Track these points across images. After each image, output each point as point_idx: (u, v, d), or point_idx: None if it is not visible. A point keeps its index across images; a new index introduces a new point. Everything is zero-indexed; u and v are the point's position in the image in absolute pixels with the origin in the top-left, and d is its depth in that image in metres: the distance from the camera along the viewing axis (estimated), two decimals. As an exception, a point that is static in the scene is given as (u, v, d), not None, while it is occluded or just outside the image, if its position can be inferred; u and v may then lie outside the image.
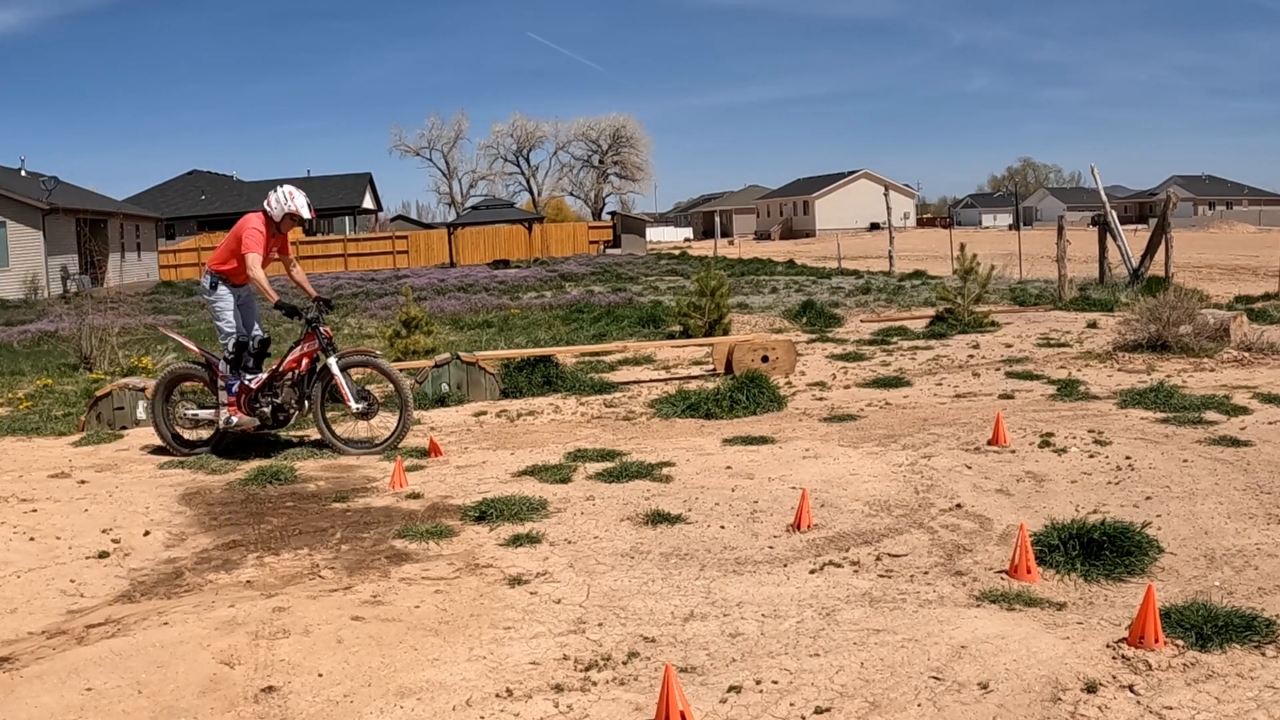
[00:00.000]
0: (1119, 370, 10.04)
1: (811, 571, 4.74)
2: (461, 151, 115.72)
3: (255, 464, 7.40)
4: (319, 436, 8.06)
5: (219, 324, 8.09)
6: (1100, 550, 4.64)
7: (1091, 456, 6.54)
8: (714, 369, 11.42)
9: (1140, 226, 59.86)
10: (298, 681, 3.71)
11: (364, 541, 5.46)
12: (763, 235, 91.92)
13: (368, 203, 69.42)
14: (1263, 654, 3.59)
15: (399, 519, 5.85)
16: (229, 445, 8.04)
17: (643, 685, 3.59)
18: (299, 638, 4.07)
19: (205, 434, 8.17)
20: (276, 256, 8.22)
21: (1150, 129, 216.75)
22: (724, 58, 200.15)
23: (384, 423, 8.10)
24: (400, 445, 7.82)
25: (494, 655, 3.90)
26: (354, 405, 7.89)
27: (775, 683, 3.55)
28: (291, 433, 8.72)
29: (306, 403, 7.99)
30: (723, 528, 5.46)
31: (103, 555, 5.37)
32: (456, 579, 4.79)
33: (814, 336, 14.40)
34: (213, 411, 8.03)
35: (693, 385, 10.18)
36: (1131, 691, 3.35)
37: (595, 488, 6.37)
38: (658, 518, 5.61)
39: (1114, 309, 15.40)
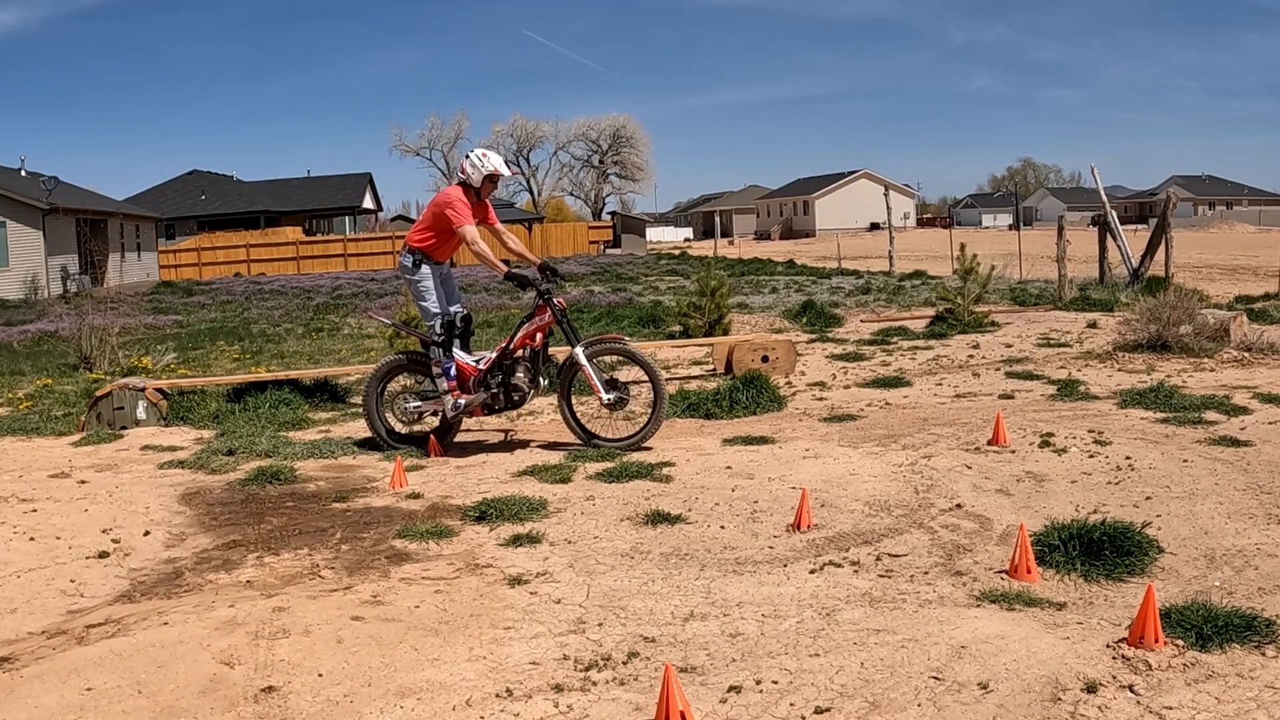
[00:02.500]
0: (1119, 370, 10.03)
1: (811, 571, 4.74)
2: (461, 151, 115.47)
3: (255, 464, 7.39)
4: (314, 438, 8.06)
5: (424, 305, 7.71)
6: (1100, 550, 4.64)
7: (1091, 456, 6.53)
8: (714, 369, 11.41)
9: (1140, 226, 59.85)
10: (298, 681, 3.71)
11: (364, 541, 5.46)
12: (763, 235, 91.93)
13: (368, 203, 69.42)
14: (1263, 654, 3.59)
15: (399, 519, 5.85)
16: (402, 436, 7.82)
17: (643, 685, 3.59)
18: (299, 638, 4.07)
19: (419, 428, 7.93)
20: (478, 224, 7.79)
21: (1150, 129, 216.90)
22: (724, 58, 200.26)
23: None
24: (646, 443, 7.41)
25: (494, 655, 3.90)
26: (604, 396, 7.46)
27: (775, 683, 3.55)
28: (292, 433, 8.72)
29: (542, 380, 7.62)
30: (723, 528, 5.46)
31: (103, 555, 5.37)
32: (456, 579, 4.79)
33: (814, 336, 14.40)
34: (434, 401, 7.71)
35: (693, 385, 10.18)
36: (1131, 691, 3.35)
37: (595, 487, 6.37)
38: (658, 518, 5.61)
39: (1114, 309, 15.39)
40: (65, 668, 3.85)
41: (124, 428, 9.28)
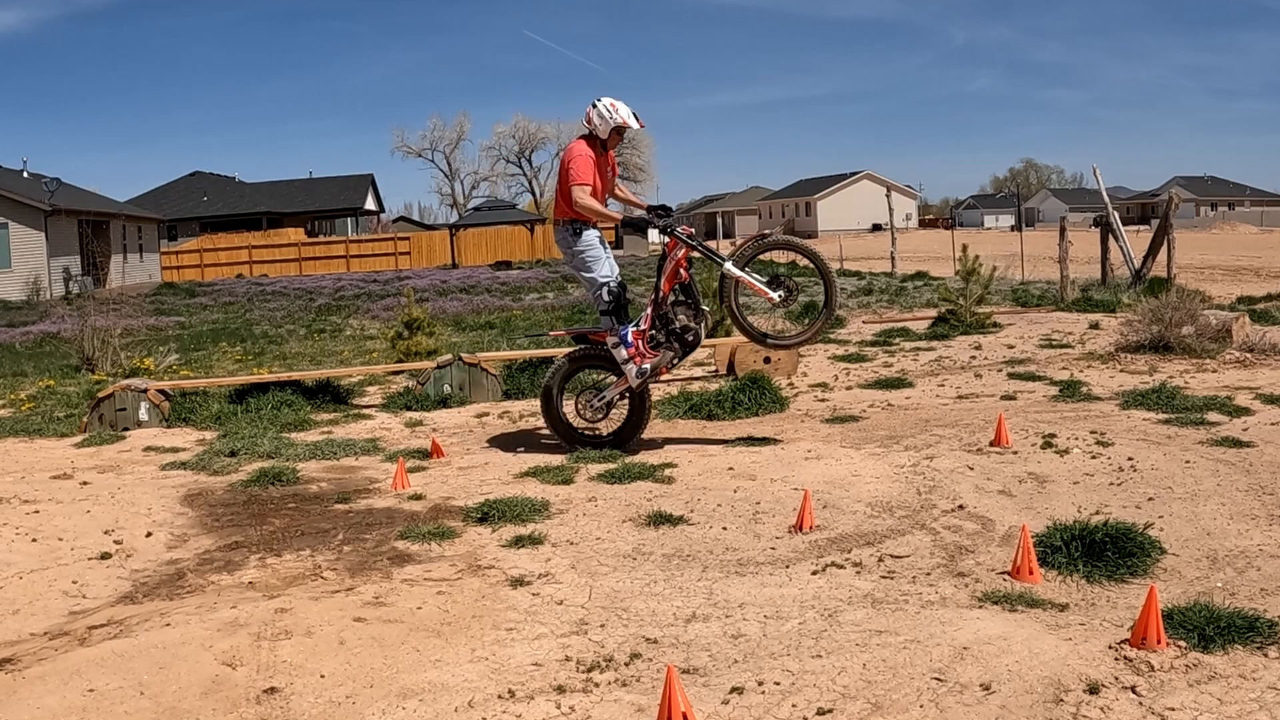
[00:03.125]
0: (1121, 371, 10.03)
1: (814, 573, 4.74)
2: (463, 153, 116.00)
3: (257, 465, 7.40)
4: (316, 439, 8.03)
5: (589, 274, 7.41)
6: (1103, 551, 4.64)
7: (1094, 457, 6.53)
8: (716, 370, 11.41)
9: (1142, 227, 59.84)
10: (300, 683, 3.71)
11: (366, 543, 5.46)
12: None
13: (370, 204, 69.48)
14: (1265, 655, 3.58)
15: (401, 520, 5.85)
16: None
17: (645, 686, 3.59)
18: (301, 639, 4.07)
19: (604, 426, 7.64)
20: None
21: (1152, 130, 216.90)
22: (725, 59, 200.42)
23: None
24: (826, 332, 7.12)
25: (496, 656, 3.90)
26: (773, 295, 7.21)
27: (777, 684, 3.55)
28: (294, 434, 8.72)
29: (704, 310, 7.43)
30: (725, 529, 5.46)
31: (105, 556, 5.38)
32: (459, 580, 4.79)
33: (816, 337, 14.37)
34: (618, 381, 7.43)
35: (695, 386, 10.17)
36: (1134, 693, 3.35)
37: (597, 489, 6.37)
38: (660, 519, 5.61)
39: (1116, 310, 15.38)
40: (67, 669, 3.85)
41: (126, 429, 9.29)
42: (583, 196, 7.22)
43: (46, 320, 22.28)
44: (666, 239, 7.31)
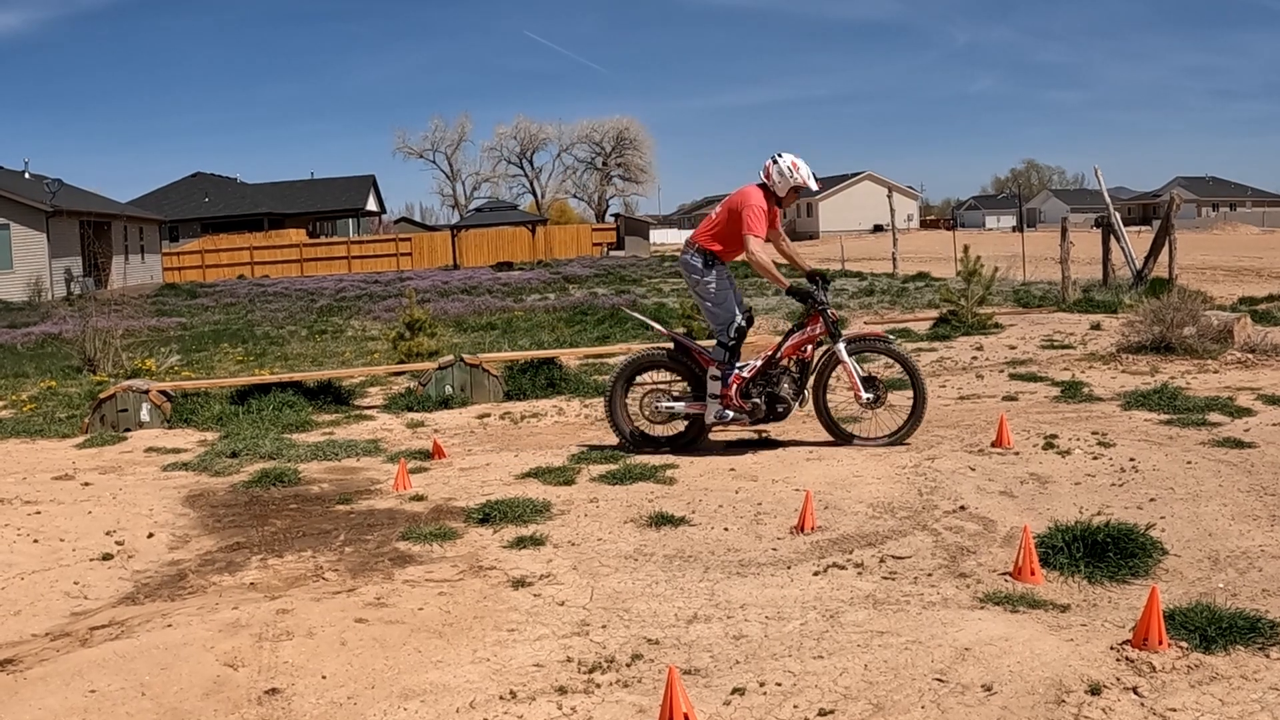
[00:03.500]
0: (1123, 372, 10.02)
1: (815, 573, 4.74)
2: (465, 154, 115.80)
3: (259, 466, 7.40)
4: (317, 440, 8.05)
5: (710, 306, 7.33)
6: (1104, 552, 4.64)
7: (1095, 458, 6.53)
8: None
9: (1144, 228, 59.86)
10: (301, 683, 3.71)
11: (368, 544, 5.47)
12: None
13: (371, 205, 69.52)
14: (1267, 656, 3.58)
15: (403, 521, 5.85)
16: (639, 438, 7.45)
17: (646, 687, 3.59)
18: (302, 640, 4.07)
19: (661, 430, 7.54)
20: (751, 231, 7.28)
21: (1154, 130, 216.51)
22: (727, 60, 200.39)
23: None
24: (908, 440, 7.17)
25: (497, 657, 3.90)
26: (864, 395, 7.18)
27: (779, 685, 3.55)
28: (296, 435, 8.73)
29: (805, 394, 7.31)
30: (726, 530, 5.46)
31: (106, 557, 5.38)
32: (460, 581, 4.79)
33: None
34: (694, 404, 7.34)
35: (696, 387, 10.17)
36: (1135, 693, 3.35)
37: (599, 490, 6.37)
38: (661, 520, 5.61)
39: (1117, 311, 15.37)
40: (69, 670, 3.86)
41: (128, 430, 9.30)
42: (758, 251, 7.15)
43: (48, 321, 22.29)
44: (812, 311, 7.22)
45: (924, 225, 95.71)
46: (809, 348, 7.30)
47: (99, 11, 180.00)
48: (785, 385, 7.26)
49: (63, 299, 32.76)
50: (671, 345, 7.54)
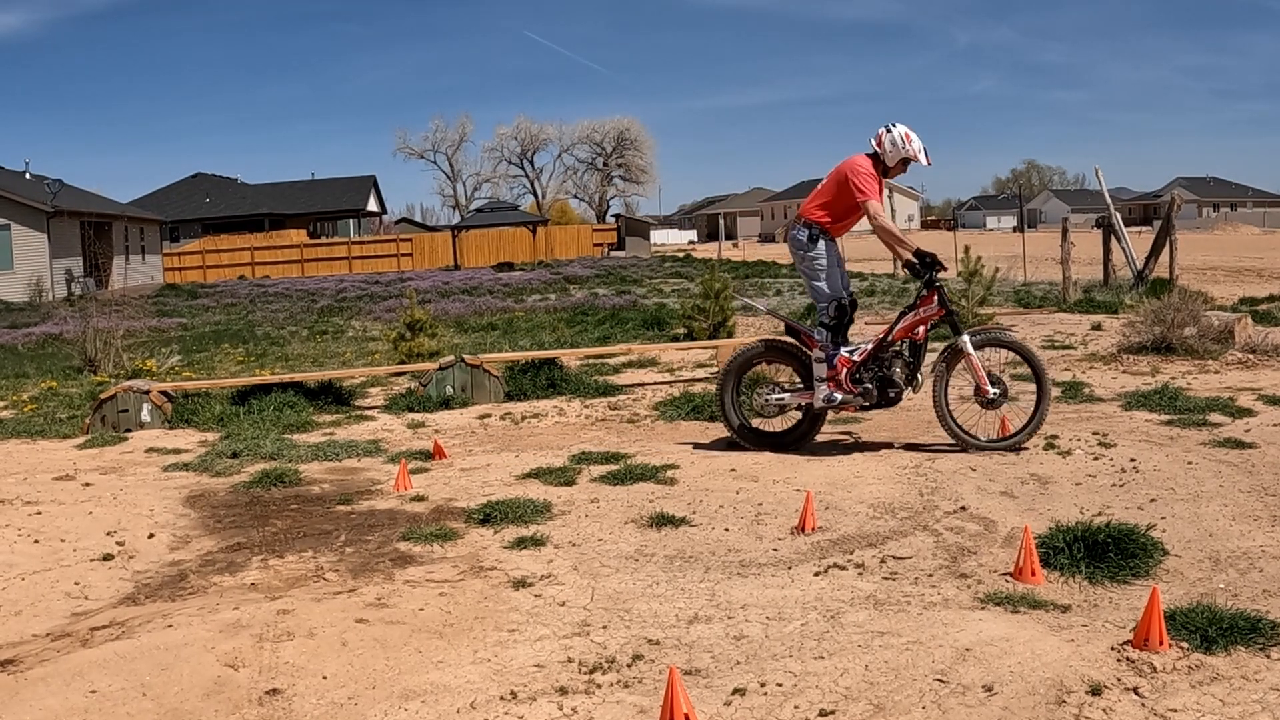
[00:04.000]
0: (1123, 372, 10.02)
1: (816, 574, 4.74)
2: (465, 154, 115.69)
3: (259, 467, 7.40)
4: (318, 440, 8.05)
5: (817, 284, 7.12)
6: (1105, 552, 4.64)
7: (1096, 459, 6.53)
8: (718, 371, 11.41)
9: (1144, 228, 59.83)
10: (302, 684, 3.71)
11: (368, 544, 5.47)
12: (767, 238, 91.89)
13: (372, 205, 69.52)
14: (1267, 656, 3.58)
15: (403, 521, 5.85)
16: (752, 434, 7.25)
17: (647, 688, 3.59)
18: (303, 640, 4.07)
19: (772, 425, 7.36)
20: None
21: (1155, 131, 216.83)
22: (728, 60, 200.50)
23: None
24: (1028, 443, 6.90)
25: (498, 658, 3.90)
26: (991, 390, 6.91)
27: (780, 685, 3.55)
28: (296, 435, 8.73)
29: (919, 378, 7.08)
30: (727, 530, 5.46)
31: (107, 558, 5.38)
32: (461, 581, 4.79)
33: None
34: (802, 392, 7.14)
35: (697, 388, 10.18)
36: (1136, 694, 3.34)
37: (599, 490, 6.37)
38: (662, 520, 5.61)
39: (1118, 311, 15.38)
40: (69, 670, 3.86)
41: (128, 430, 9.30)
42: (880, 214, 6.99)
43: (49, 322, 22.29)
44: (925, 290, 7.05)
45: (925, 226, 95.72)
46: (922, 329, 7.11)
47: (100, 12, 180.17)
48: (897, 368, 7.06)
49: (63, 299, 32.77)
50: (792, 337, 7.28)
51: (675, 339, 14.02)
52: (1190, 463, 6.33)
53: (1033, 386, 6.98)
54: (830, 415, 7.39)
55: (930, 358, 7.30)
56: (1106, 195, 20.71)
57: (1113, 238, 19.89)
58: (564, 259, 50.76)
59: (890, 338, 7.09)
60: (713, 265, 16.26)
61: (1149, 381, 9.27)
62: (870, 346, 7.09)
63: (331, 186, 68.04)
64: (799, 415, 7.29)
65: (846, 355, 7.04)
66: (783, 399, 7.22)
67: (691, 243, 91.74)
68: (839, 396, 6.99)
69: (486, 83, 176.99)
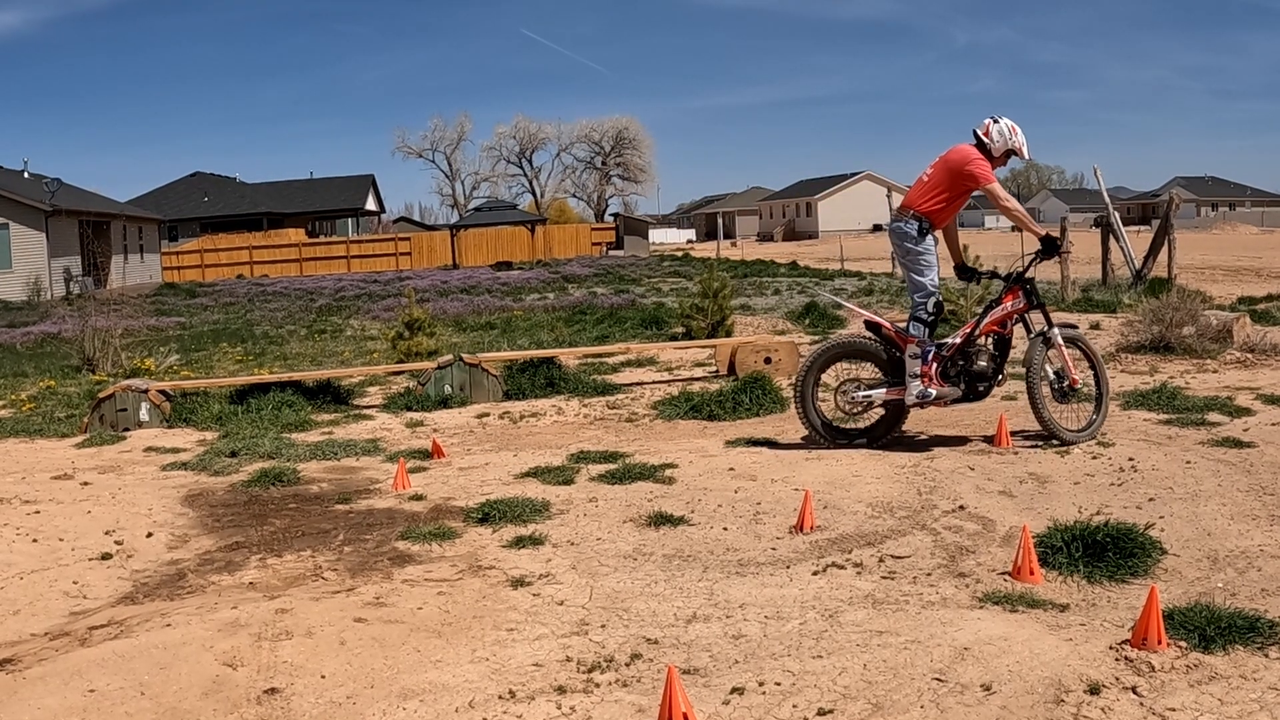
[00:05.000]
0: (1122, 371, 10.02)
1: (814, 573, 4.74)
2: (464, 153, 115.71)
3: (258, 466, 7.40)
4: (317, 440, 8.04)
5: (919, 278, 7.05)
6: (1103, 552, 4.64)
7: (1094, 458, 6.53)
8: (716, 370, 11.41)
9: (1143, 228, 59.84)
10: (300, 683, 3.71)
11: (367, 543, 5.46)
12: (765, 237, 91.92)
13: (370, 204, 69.50)
14: (1266, 655, 3.58)
15: (402, 521, 5.85)
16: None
17: (645, 687, 3.59)
18: (301, 639, 4.07)
19: (853, 424, 7.29)
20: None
21: (1153, 130, 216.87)
22: (726, 59, 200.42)
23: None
24: (1098, 436, 6.97)
25: (497, 657, 3.90)
26: (1077, 379, 7.02)
27: (778, 684, 3.55)
28: (295, 435, 8.73)
29: (1004, 371, 7.15)
30: (725, 529, 5.46)
31: (105, 557, 5.38)
32: (459, 581, 4.79)
33: (817, 338, 14.39)
34: (893, 389, 7.08)
35: (695, 387, 10.17)
36: (1135, 693, 3.35)
37: (598, 489, 6.37)
38: (660, 519, 5.61)
39: (1117, 310, 15.37)
40: (68, 669, 3.85)
41: (127, 429, 9.29)
42: (1009, 197, 7.05)
43: (47, 321, 22.28)
44: (1012, 285, 7.12)
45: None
46: (1009, 323, 7.14)
47: (98, 11, 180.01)
48: (984, 363, 7.07)
49: (62, 298, 32.74)
50: (879, 333, 7.21)
51: (674, 338, 14.01)
52: (1189, 462, 6.33)
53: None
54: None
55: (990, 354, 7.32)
56: (1105, 194, 20.70)
57: (1111, 237, 19.89)
58: (562, 258, 50.74)
59: (977, 332, 7.12)
60: (711, 264, 16.25)
61: (1147, 381, 9.28)
62: (958, 341, 7.11)
63: (330, 186, 68.03)
64: (881, 412, 7.25)
65: (936, 350, 7.06)
66: (871, 396, 7.13)
67: (690, 242, 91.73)
68: (933, 392, 6.97)
69: (485, 82, 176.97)
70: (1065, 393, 7.06)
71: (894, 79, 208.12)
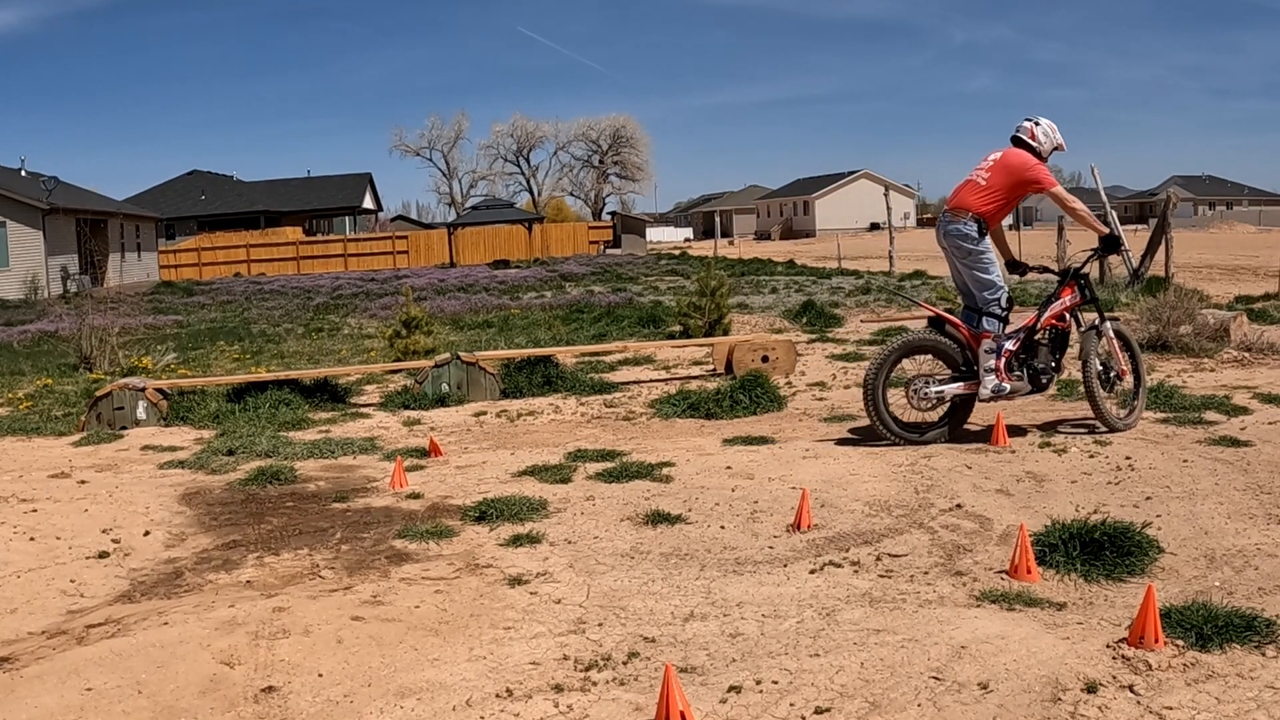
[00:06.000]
0: (1119, 370, 10.02)
1: (811, 571, 4.74)
2: (462, 152, 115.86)
3: (255, 464, 7.39)
4: (314, 438, 8.05)
5: (986, 276, 7.17)
6: (1100, 550, 4.64)
7: (1091, 456, 6.53)
8: (714, 369, 11.41)
9: (1140, 226, 59.75)
10: (298, 681, 3.71)
11: (364, 541, 5.46)
12: (763, 235, 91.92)
13: (368, 203, 69.46)
14: (1263, 654, 3.58)
15: (399, 519, 5.85)
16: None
17: (643, 685, 3.59)
18: (299, 638, 4.07)
19: (921, 417, 7.30)
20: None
21: (1151, 129, 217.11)
22: (724, 58, 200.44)
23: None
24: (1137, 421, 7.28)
25: (494, 655, 3.90)
26: (1128, 376, 7.35)
27: (775, 683, 3.55)
28: (292, 433, 8.72)
29: (1064, 363, 7.41)
30: (723, 528, 5.46)
31: (103, 555, 5.37)
32: (456, 579, 4.79)
33: (814, 336, 14.40)
34: (968, 383, 7.13)
35: (693, 385, 10.18)
36: (1131, 691, 3.35)
37: (595, 488, 6.37)
38: (658, 518, 5.61)
39: (1114, 309, 15.38)
40: (65, 668, 3.85)
41: (124, 428, 9.28)
42: (1072, 198, 7.33)
43: (44, 319, 22.24)
44: (1068, 281, 7.38)
45: (921, 223, 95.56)
46: (1068, 317, 7.35)
47: (96, 9, 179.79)
48: (1044, 356, 7.26)
49: (59, 297, 32.65)
50: (951, 329, 7.28)
51: (671, 337, 14.01)
52: (1186, 461, 6.34)
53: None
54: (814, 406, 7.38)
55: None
56: (1102, 193, 20.72)
57: (1109, 236, 19.87)
58: (560, 256, 50.73)
59: (1039, 326, 7.29)
60: (709, 263, 16.25)
61: (1144, 379, 9.27)
62: (1023, 335, 7.26)
63: (327, 184, 67.98)
64: (946, 407, 7.30)
65: (1005, 346, 7.19)
66: (944, 391, 7.18)
67: (687, 240, 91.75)
68: (1007, 387, 7.10)
69: (483, 80, 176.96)
70: (1111, 382, 7.34)
71: (892, 78, 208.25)
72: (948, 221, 7.31)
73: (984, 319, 7.16)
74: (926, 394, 7.19)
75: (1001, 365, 7.10)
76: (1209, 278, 24.71)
